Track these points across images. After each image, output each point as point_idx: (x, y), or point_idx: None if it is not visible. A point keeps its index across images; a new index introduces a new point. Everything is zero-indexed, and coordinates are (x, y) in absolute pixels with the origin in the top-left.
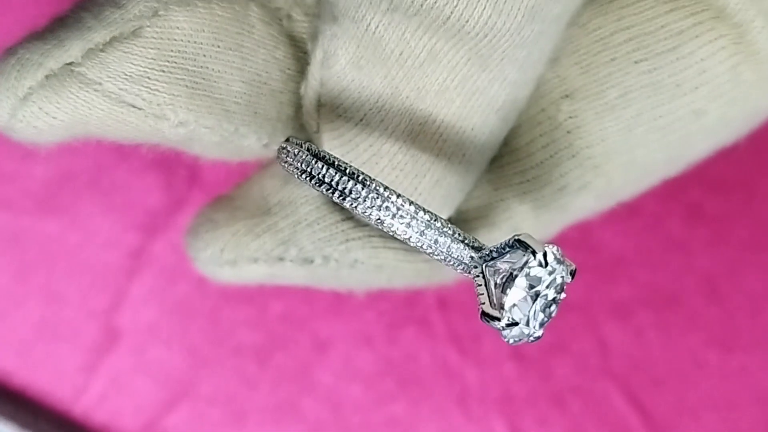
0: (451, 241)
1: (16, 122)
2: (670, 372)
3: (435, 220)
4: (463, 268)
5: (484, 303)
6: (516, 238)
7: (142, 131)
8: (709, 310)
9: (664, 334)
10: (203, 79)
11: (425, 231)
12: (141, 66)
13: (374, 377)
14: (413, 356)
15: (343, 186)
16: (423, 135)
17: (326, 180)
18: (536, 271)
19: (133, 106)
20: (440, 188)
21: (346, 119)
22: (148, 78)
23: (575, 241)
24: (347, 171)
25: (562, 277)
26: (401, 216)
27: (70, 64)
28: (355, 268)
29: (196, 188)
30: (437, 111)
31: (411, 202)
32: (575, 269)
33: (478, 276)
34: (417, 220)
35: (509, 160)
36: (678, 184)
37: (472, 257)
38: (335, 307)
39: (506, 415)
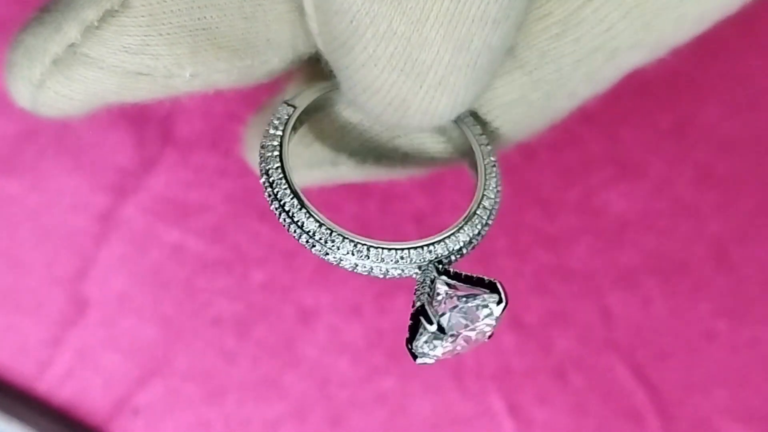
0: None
1: (39, 107)
2: (677, 344)
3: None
4: (413, 267)
5: (424, 301)
6: (492, 280)
7: (159, 91)
8: (718, 278)
9: (671, 304)
10: (203, 29)
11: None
12: (137, 35)
13: (363, 350)
14: (405, 327)
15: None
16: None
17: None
18: (493, 313)
19: (141, 74)
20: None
21: (340, 18)
22: (147, 45)
23: (578, 204)
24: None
25: (487, 330)
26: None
27: (72, 45)
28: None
29: (169, 145)
30: None
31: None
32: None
33: (427, 283)
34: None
35: (558, 30)
36: (686, 144)
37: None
38: (320, 275)
39: (504, 390)
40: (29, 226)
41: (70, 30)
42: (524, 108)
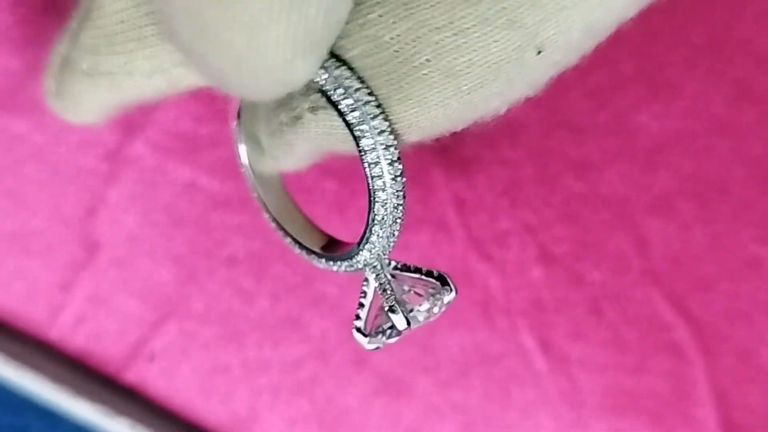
0: (395, 233)
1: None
2: (718, 273)
3: (403, 204)
4: (373, 262)
5: (391, 299)
6: (440, 273)
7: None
8: (761, 201)
9: (711, 230)
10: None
11: (396, 207)
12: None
13: None
14: (429, 263)
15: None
16: None
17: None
18: (443, 303)
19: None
20: None
21: None
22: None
23: (608, 127)
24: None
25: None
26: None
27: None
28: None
29: None
30: None
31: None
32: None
33: (380, 275)
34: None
35: None
36: (722, 59)
37: (384, 261)
38: (338, 210)
39: (535, 327)
40: (35, 166)
41: (63, 43)
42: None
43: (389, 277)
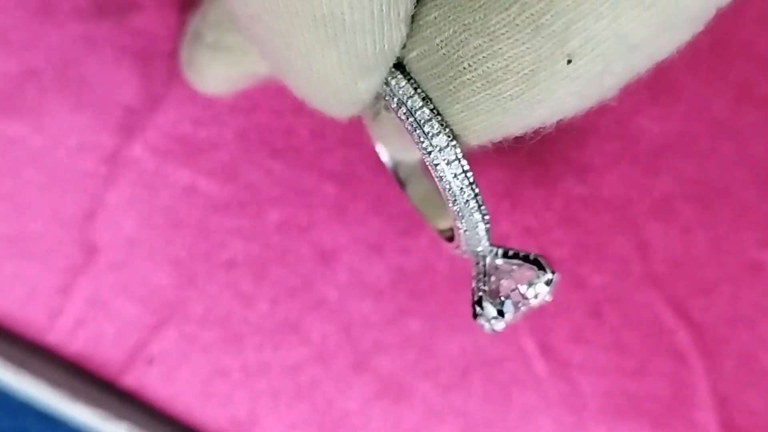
0: (482, 221)
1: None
2: (720, 276)
3: (479, 193)
4: (475, 250)
5: (483, 288)
6: (538, 256)
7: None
8: (762, 205)
9: (712, 234)
10: None
11: (468, 201)
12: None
13: (386, 291)
14: (429, 266)
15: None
16: None
17: (406, 109)
18: (540, 288)
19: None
20: None
21: None
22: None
23: (609, 129)
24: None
25: (545, 298)
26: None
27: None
28: None
29: (176, 81)
30: None
31: (469, 165)
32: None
33: (484, 264)
34: (468, 184)
35: None
36: (724, 62)
37: (487, 247)
38: (338, 214)
39: (535, 330)
40: (34, 169)
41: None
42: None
43: (487, 265)
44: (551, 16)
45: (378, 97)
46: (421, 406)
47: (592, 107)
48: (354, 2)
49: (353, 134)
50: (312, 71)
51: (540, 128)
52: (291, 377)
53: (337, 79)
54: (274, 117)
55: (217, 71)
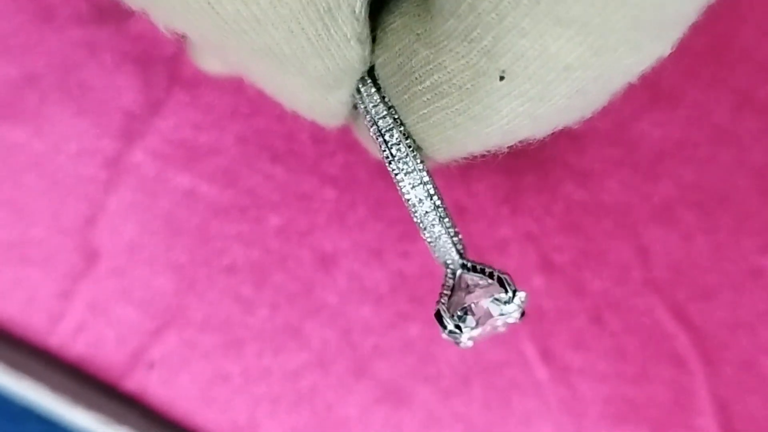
0: (445, 233)
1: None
2: (720, 282)
3: (440, 206)
4: (443, 262)
5: (443, 302)
6: (502, 274)
7: None
8: (764, 210)
9: (712, 240)
10: None
11: (428, 212)
12: None
13: (386, 296)
14: (429, 271)
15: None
16: None
17: (370, 117)
18: (502, 306)
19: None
20: None
21: None
22: None
23: (609, 135)
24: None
25: (514, 318)
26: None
27: None
28: None
29: (176, 86)
30: None
31: (430, 176)
32: (524, 312)
33: (451, 277)
34: (426, 192)
35: None
36: (723, 68)
37: (455, 260)
38: (338, 219)
39: (536, 335)
40: (34, 175)
41: None
42: None
43: (455, 278)
44: (480, 30)
45: (354, 103)
46: (421, 412)
47: (562, 128)
48: (284, 36)
49: (353, 139)
50: (281, 90)
51: (498, 147)
52: (291, 382)
53: (307, 96)
54: (274, 122)
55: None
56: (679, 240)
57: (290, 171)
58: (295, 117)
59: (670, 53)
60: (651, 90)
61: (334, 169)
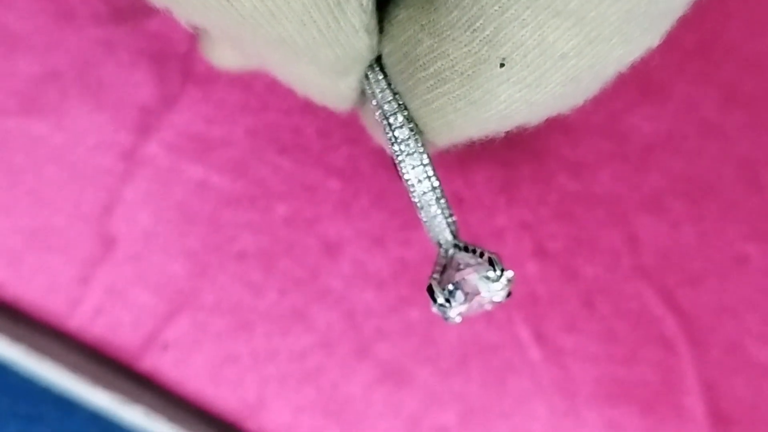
0: (441, 213)
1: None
2: (707, 269)
3: (437, 187)
4: (437, 241)
5: (436, 278)
6: (491, 254)
7: None
8: (748, 200)
9: (700, 228)
10: None
11: (426, 193)
12: None
13: (388, 281)
14: (429, 257)
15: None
16: None
17: (377, 101)
18: (490, 284)
19: None
20: None
21: None
22: None
23: (602, 128)
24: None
25: (501, 297)
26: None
27: None
28: None
29: (189, 82)
30: None
31: (429, 159)
32: (511, 293)
33: (444, 256)
34: (426, 173)
35: None
36: (711, 64)
37: (448, 240)
38: (343, 209)
39: (530, 319)
40: (55, 166)
41: None
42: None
43: (447, 257)
44: (483, 21)
45: (363, 89)
46: (421, 391)
47: (556, 115)
48: (296, 27)
49: (357, 133)
50: (294, 77)
51: (497, 132)
52: (297, 363)
53: (318, 83)
54: (282, 116)
55: (227, 52)
56: (668, 228)
57: (297, 163)
58: (302, 112)
59: (660, 48)
60: (641, 85)
61: (338, 161)
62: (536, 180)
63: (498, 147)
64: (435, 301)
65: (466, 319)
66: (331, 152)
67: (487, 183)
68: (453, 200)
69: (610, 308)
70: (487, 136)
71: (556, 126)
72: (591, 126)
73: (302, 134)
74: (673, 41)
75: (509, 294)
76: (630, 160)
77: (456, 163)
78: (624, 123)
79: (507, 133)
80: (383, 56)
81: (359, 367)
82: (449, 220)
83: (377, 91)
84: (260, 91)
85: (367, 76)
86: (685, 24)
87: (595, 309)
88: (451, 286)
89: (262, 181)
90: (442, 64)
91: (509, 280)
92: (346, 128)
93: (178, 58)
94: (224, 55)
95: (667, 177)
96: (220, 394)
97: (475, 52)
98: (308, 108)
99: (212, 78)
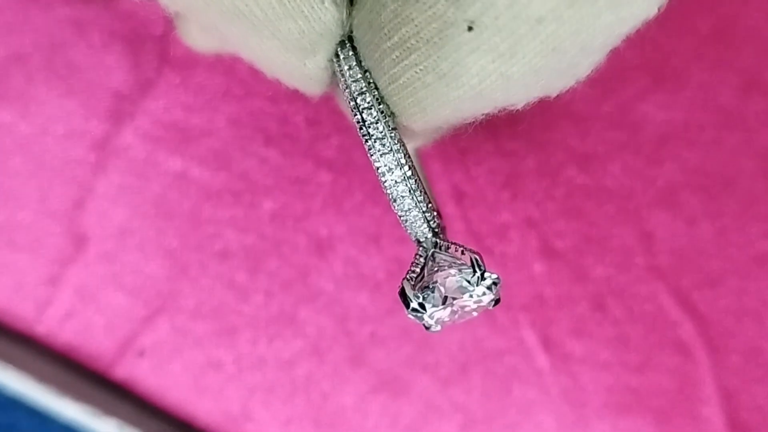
0: (416, 207)
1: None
2: (725, 269)
3: (411, 177)
4: (415, 239)
5: (410, 279)
6: (474, 254)
7: None
8: None
9: (718, 225)
10: None
11: (397, 183)
12: None
13: (383, 283)
14: None
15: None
16: None
17: (344, 81)
18: (472, 289)
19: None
20: None
21: None
22: None
23: (612, 117)
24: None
25: (487, 303)
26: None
27: None
28: None
29: (166, 66)
30: None
31: (402, 145)
32: (499, 299)
33: (421, 255)
34: (399, 164)
35: None
36: (729, 49)
37: (427, 238)
38: (334, 203)
39: (537, 323)
40: (21, 157)
41: None
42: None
43: (426, 257)
44: None
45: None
46: (419, 401)
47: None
48: None
49: (349, 122)
50: (258, 55)
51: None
52: (286, 371)
53: (284, 61)
54: (268, 103)
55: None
56: (684, 225)
57: (284, 154)
58: (290, 99)
59: (673, 32)
60: (655, 71)
61: (329, 152)
62: (543, 173)
63: (502, 137)
64: (408, 305)
65: (454, 326)
66: (322, 142)
67: (490, 176)
68: (453, 195)
69: (622, 311)
70: (467, 120)
71: (563, 114)
72: (601, 115)
73: (290, 123)
74: (687, 25)
75: (497, 300)
76: (643, 151)
77: (456, 154)
78: (636, 112)
79: (492, 116)
80: (353, 28)
81: (352, 376)
82: (427, 214)
83: (346, 68)
84: (244, 77)
85: (337, 54)
86: (699, 7)
87: (607, 312)
88: (426, 289)
89: (246, 174)
90: (407, 31)
91: (494, 284)
92: (337, 116)
93: (154, 40)
94: (198, 35)
95: (682, 170)
96: (202, 405)
97: (440, 15)
98: (296, 95)
99: (191, 62)
